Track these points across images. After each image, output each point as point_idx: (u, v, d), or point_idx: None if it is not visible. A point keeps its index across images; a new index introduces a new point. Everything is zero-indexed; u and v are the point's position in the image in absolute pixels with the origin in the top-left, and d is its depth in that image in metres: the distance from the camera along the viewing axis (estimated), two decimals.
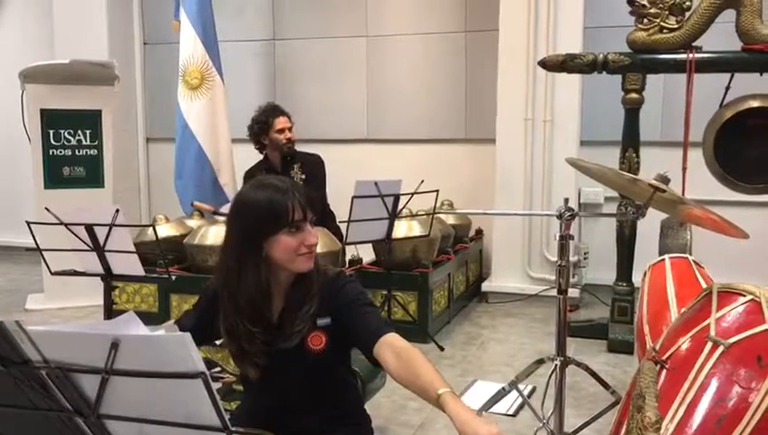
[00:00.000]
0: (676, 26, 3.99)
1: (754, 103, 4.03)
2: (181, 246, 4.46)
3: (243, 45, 6.29)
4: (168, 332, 0.99)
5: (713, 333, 1.55)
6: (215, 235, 4.24)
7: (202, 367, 0.98)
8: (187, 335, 0.98)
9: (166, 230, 4.61)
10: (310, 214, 1.74)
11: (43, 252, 3.15)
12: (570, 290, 2.55)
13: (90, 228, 2.90)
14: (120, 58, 5.50)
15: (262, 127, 4.54)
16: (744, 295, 1.61)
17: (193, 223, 4.88)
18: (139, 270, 3.05)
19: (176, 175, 5.70)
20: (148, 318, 4.16)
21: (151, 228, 3.37)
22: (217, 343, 2.02)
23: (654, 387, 1.42)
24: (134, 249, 3.01)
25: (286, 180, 1.78)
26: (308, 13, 6.18)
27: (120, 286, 4.45)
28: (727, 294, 1.65)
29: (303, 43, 6.21)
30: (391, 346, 1.64)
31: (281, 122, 4.54)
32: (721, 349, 1.51)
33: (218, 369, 3.10)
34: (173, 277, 3.42)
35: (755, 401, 1.44)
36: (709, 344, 1.53)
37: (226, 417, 1.04)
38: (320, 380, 1.82)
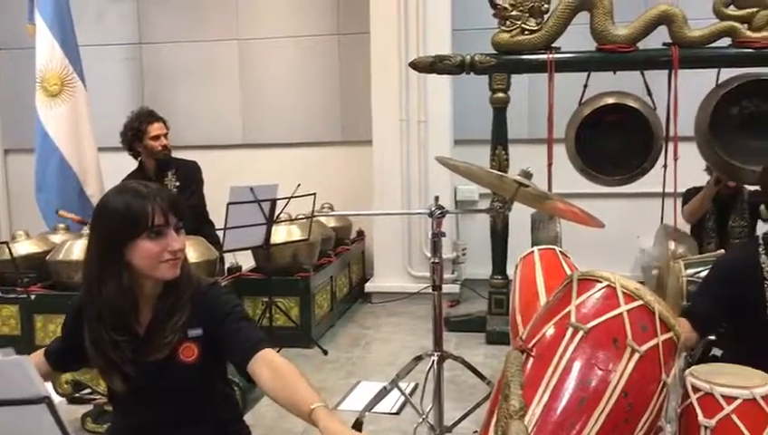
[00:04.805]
0: (536, 28, 4.18)
1: (610, 100, 4.28)
2: (44, 263, 4.18)
3: (106, 50, 6.01)
4: (5, 356, 0.91)
5: (573, 319, 1.62)
6: (81, 249, 3.99)
7: (45, 391, 0.92)
8: (25, 358, 0.91)
9: (27, 247, 4.28)
10: (173, 219, 1.68)
11: None
12: (450, 286, 2.61)
13: None
14: None
15: (135, 134, 4.34)
16: (601, 282, 1.69)
17: (57, 238, 4.56)
18: None
19: (36, 188, 5.36)
20: (11, 341, 3.88)
21: (5, 245, 3.13)
22: None
23: (519, 375, 1.46)
24: None
25: (150, 185, 1.72)
26: (176, 16, 6.00)
27: None
28: (586, 282, 1.72)
29: (172, 47, 6.02)
30: (266, 362, 1.61)
31: (155, 129, 4.34)
32: (581, 334, 1.58)
33: (88, 390, 2.94)
34: (32, 296, 3.20)
35: (613, 380, 1.52)
36: (570, 330, 1.60)
37: None
38: (194, 392, 1.77)
